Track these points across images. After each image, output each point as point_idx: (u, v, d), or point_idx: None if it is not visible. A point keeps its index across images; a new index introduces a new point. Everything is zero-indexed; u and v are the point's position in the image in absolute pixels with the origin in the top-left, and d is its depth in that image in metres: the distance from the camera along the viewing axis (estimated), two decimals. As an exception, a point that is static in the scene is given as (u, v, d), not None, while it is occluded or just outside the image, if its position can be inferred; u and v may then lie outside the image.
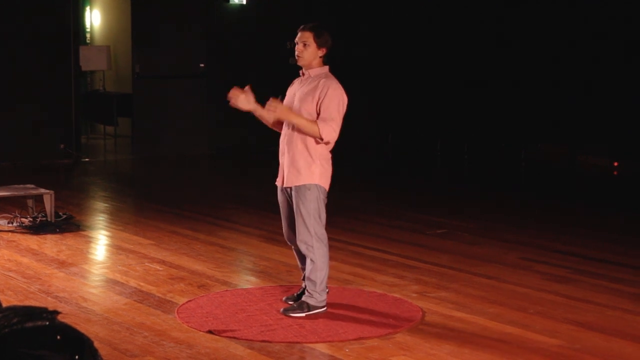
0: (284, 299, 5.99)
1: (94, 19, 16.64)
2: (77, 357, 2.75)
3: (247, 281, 6.79)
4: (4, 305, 3.38)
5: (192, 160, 13.77)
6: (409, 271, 6.93)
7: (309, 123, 5.53)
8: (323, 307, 5.73)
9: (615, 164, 12.64)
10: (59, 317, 2.85)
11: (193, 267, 6.99)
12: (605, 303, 6.09)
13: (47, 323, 2.77)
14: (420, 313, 5.79)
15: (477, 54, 13.88)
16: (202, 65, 14.20)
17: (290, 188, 5.68)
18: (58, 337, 2.76)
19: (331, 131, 5.53)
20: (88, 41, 16.55)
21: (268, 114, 5.68)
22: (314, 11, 14.40)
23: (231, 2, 14.42)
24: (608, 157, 12.75)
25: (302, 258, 5.85)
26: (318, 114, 5.56)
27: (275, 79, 14.44)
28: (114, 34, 15.92)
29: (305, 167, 5.60)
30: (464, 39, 14.03)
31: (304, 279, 5.87)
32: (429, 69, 14.42)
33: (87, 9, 16.62)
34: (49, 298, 6.06)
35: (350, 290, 6.32)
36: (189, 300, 6.03)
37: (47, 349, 2.73)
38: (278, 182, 5.80)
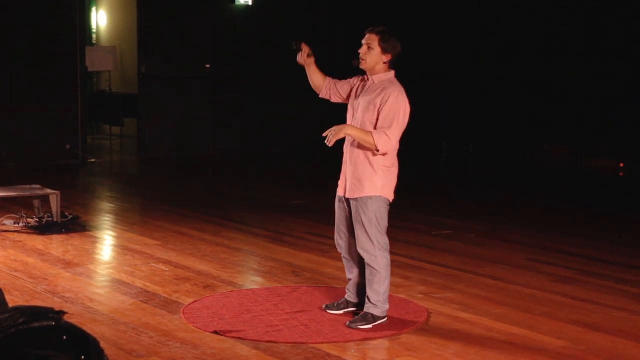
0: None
1: (100, 19, 16.68)
2: (83, 357, 2.76)
3: (253, 282, 6.79)
4: (11, 305, 3.39)
5: (198, 160, 13.79)
6: (414, 272, 6.93)
7: (364, 135, 5.28)
8: (386, 317, 5.50)
9: (621, 164, 12.62)
10: (65, 318, 2.86)
11: (199, 267, 7.00)
12: (611, 304, 6.08)
13: (53, 323, 2.77)
14: (426, 314, 5.79)
15: (481, 55, 13.87)
16: (207, 66, 14.21)
17: (351, 199, 5.46)
18: (64, 337, 2.76)
19: (387, 141, 5.29)
20: (94, 42, 16.59)
21: (333, 135, 5.24)
22: (320, 13, 14.41)
23: (237, 2, 14.44)
24: (613, 158, 12.73)
25: (352, 268, 5.67)
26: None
27: (278, 80, 14.53)
28: (120, 35, 15.96)
29: (367, 179, 5.39)
30: (468, 40, 14.03)
31: (348, 289, 5.72)
32: (433, 71, 14.41)
33: (94, 9, 16.66)
34: (55, 298, 6.07)
35: (356, 291, 6.32)
36: (195, 301, 6.03)
37: (53, 349, 2.74)
38: (340, 192, 5.55)
